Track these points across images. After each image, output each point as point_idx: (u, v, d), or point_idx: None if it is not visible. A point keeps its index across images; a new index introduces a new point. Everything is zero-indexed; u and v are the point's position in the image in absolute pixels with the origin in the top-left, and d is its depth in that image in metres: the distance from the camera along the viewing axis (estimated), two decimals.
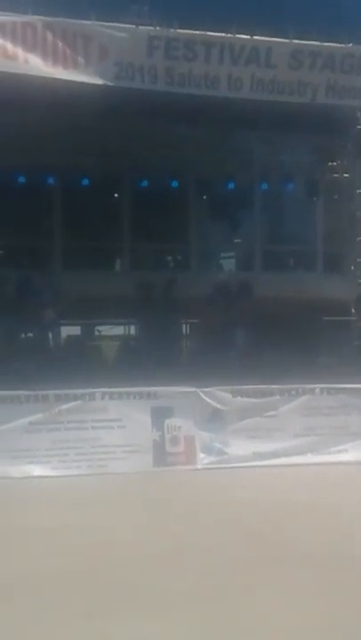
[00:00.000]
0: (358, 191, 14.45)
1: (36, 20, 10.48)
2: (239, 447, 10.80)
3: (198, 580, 5.95)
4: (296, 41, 11.81)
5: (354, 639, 4.91)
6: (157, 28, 11.21)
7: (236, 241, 17.04)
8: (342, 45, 12.04)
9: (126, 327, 15.07)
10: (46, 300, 13.19)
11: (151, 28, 11.19)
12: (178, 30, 11.27)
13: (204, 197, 16.00)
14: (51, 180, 15.02)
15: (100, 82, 10.78)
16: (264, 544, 6.99)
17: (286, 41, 11.79)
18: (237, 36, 11.50)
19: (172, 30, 11.26)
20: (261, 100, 11.62)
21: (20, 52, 10.19)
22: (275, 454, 10.76)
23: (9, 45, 10.11)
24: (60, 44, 10.47)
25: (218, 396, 10.89)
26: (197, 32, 11.31)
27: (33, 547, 6.90)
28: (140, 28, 11.13)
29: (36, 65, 10.39)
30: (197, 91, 11.27)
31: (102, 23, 10.92)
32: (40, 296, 13.21)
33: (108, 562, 6.45)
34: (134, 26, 11.12)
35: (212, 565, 6.33)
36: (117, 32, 10.90)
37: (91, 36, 10.71)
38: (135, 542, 7.06)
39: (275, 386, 11.07)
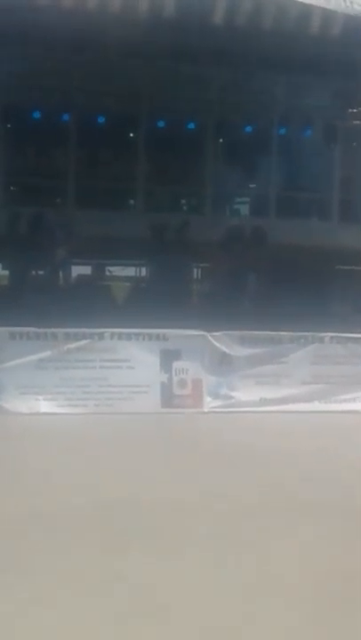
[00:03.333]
0: None
1: None
2: (247, 392, 10.80)
3: (206, 522, 5.97)
4: None
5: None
6: None
7: (251, 186, 16.85)
8: None
9: (138, 268, 15.01)
10: (58, 239, 13.12)
11: None
12: None
13: (221, 140, 15.80)
14: (66, 118, 14.83)
15: None
16: (269, 489, 7.00)
17: None
18: None
19: None
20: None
21: None
22: (282, 401, 10.76)
23: None
24: None
25: (227, 340, 10.86)
26: None
27: (45, 483, 6.94)
28: None
29: None
30: None
31: None
32: (52, 234, 13.14)
33: (115, 501, 6.47)
34: None
35: (219, 508, 6.35)
36: None
37: None
38: (142, 483, 7.08)
39: (285, 333, 11.02)
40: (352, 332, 11.23)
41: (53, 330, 10.29)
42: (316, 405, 10.87)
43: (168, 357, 10.63)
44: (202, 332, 10.73)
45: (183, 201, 16.67)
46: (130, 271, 14.87)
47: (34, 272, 13.74)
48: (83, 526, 5.81)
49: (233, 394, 10.77)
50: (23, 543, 5.42)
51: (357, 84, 14.16)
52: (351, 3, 11.42)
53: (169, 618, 4.36)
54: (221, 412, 10.50)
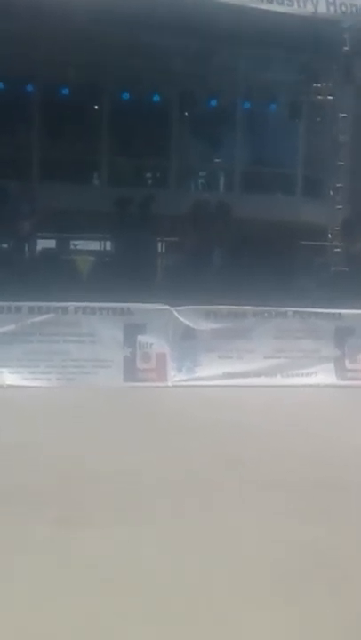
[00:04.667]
0: (342, 115, 14.24)
1: None
2: (210, 366, 10.85)
3: (169, 497, 6.02)
4: None
5: (320, 557, 5.02)
6: None
7: (216, 160, 16.85)
8: None
9: (102, 242, 14.95)
10: (22, 212, 13.01)
11: None
12: None
13: (186, 114, 15.75)
14: (29, 89, 14.69)
15: None
16: (230, 462, 7.08)
17: None
18: None
19: None
20: (259, 8, 11.29)
21: None
22: (245, 374, 10.83)
23: None
24: None
25: (191, 315, 10.89)
26: None
27: (7, 455, 6.94)
28: None
29: None
30: None
31: None
32: (16, 208, 13.03)
33: (78, 475, 6.51)
34: None
35: (182, 481, 6.42)
36: None
37: None
38: (103, 455, 7.12)
39: (248, 307, 11.08)
40: (314, 307, 11.32)
41: (17, 303, 10.25)
42: (279, 379, 10.96)
43: (132, 331, 10.64)
44: (166, 307, 10.75)
45: (148, 174, 16.62)
46: (94, 245, 14.79)
47: None
48: (42, 499, 5.84)
49: (197, 368, 10.82)
50: None
51: (322, 59, 14.19)
52: None
53: (127, 590, 4.43)
54: (185, 386, 10.55)
